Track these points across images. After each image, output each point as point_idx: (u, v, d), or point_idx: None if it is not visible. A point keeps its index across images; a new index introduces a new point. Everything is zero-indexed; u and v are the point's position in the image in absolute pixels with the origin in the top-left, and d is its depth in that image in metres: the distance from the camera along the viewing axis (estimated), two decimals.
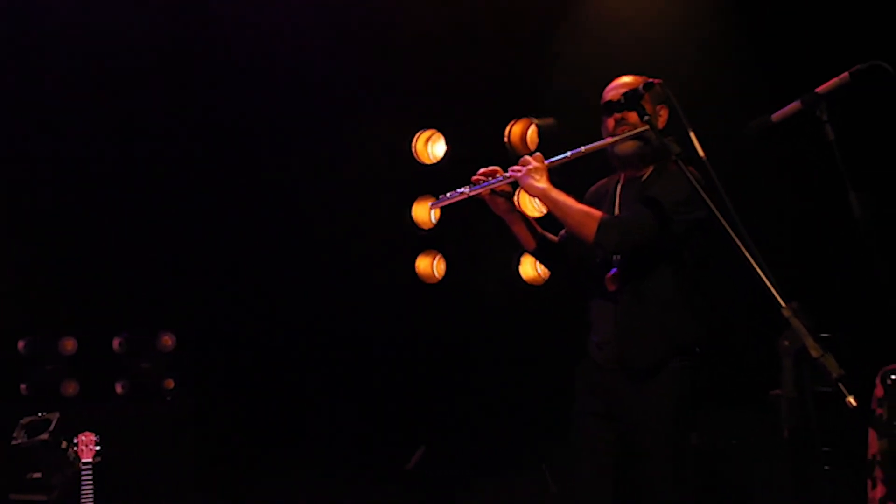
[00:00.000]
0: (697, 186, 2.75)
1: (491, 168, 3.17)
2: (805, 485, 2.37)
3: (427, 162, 5.75)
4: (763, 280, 2.18)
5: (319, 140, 5.77)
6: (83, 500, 4.12)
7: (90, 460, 4.21)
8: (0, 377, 5.41)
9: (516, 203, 3.51)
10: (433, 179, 5.72)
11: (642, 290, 2.97)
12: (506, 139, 5.41)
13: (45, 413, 4.35)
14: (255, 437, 5.54)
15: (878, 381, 2.42)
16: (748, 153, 2.64)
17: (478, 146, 5.53)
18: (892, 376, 2.39)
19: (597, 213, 2.96)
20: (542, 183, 3.00)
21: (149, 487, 5.02)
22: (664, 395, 2.94)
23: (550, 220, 3.22)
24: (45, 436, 4.31)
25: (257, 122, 5.71)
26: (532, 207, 5.15)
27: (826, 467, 4.93)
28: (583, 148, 3.00)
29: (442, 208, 3.27)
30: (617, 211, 3.10)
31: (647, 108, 2.86)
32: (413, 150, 5.76)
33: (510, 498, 5.25)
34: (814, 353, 2.05)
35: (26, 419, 4.35)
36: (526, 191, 3.05)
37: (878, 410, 2.40)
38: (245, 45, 5.49)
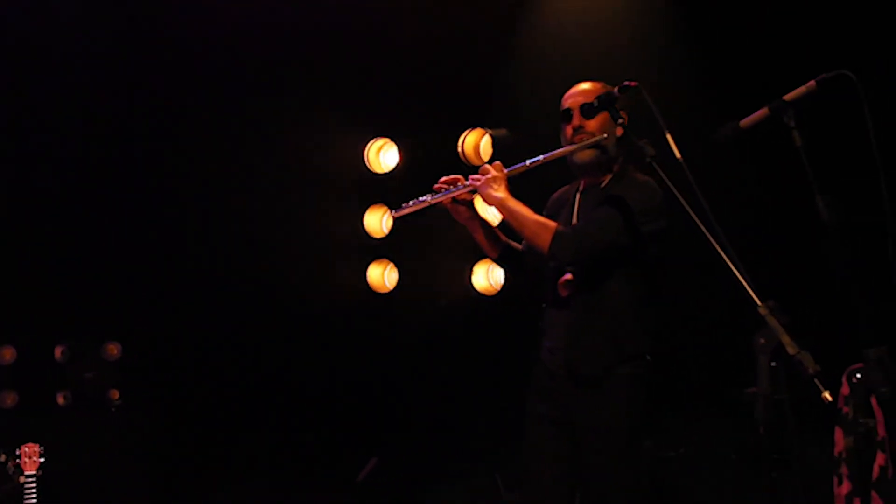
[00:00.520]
0: (659, 195, 2.83)
1: (452, 176, 3.17)
2: (776, 482, 2.41)
3: (379, 171, 5.75)
4: (739, 279, 2.23)
5: (271, 148, 5.70)
6: None
7: (34, 473, 4.07)
8: None
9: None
10: (385, 189, 5.74)
11: (594, 297, 2.99)
12: (459, 149, 5.45)
13: None
14: (203, 450, 5.41)
15: (843, 379, 2.49)
16: (712, 156, 2.70)
17: (431, 156, 5.56)
18: (858, 375, 2.46)
19: (552, 225, 2.98)
20: (500, 192, 3.01)
21: (91, 502, 4.86)
22: (613, 402, 2.95)
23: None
24: None
25: (205, 129, 5.60)
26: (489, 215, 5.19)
27: (773, 474, 5.09)
28: (541, 157, 3.02)
29: (397, 218, 3.25)
30: (575, 218, 3.12)
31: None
32: (365, 159, 5.75)
33: None
34: (790, 351, 2.09)
35: None
36: (484, 200, 3.05)
37: (844, 409, 2.47)
38: (198, 48, 5.39)
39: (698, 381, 4.80)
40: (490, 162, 3.17)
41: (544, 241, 2.94)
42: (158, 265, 5.52)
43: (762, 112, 2.58)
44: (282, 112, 5.62)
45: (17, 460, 4.04)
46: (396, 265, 5.77)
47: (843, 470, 2.40)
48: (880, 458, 2.39)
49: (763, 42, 4.26)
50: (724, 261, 2.26)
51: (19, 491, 4.02)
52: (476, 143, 5.45)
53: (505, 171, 3.05)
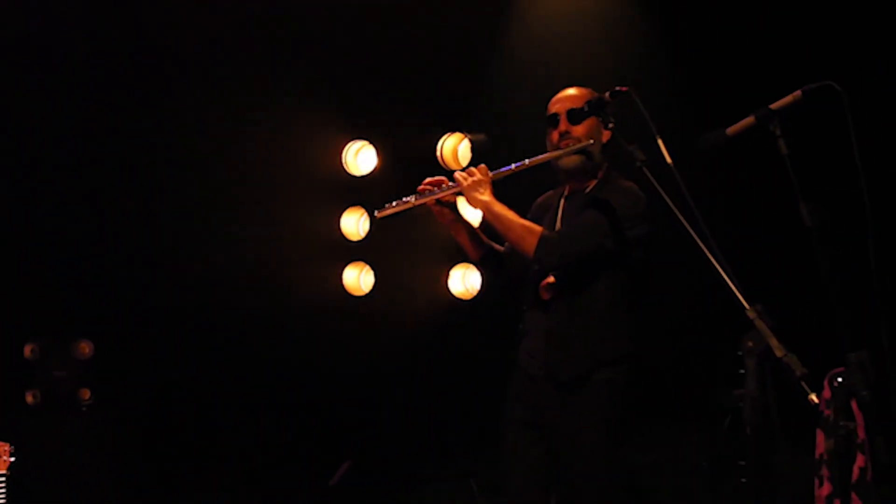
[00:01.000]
0: (643, 201, 2.86)
1: (437, 178, 3.18)
2: (762, 482, 2.45)
3: (357, 174, 5.74)
4: (727, 282, 2.26)
5: (248, 149, 5.67)
6: None
7: (4, 472, 4.00)
8: None
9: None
10: (363, 191, 5.73)
11: (576, 301, 3.00)
12: (438, 153, 5.46)
13: None
14: (176, 451, 5.36)
15: (825, 383, 2.54)
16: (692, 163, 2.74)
17: (409, 159, 5.56)
18: (839, 379, 2.51)
19: (537, 229, 2.99)
20: (485, 196, 3.02)
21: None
22: (593, 407, 2.96)
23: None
24: None
25: (182, 129, 5.57)
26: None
27: (743, 479, 5.15)
28: (527, 161, 3.03)
29: (376, 220, 3.24)
30: (560, 223, 3.13)
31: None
32: (343, 161, 5.75)
33: None
34: (778, 353, 2.13)
35: None
36: (469, 203, 3.05)
37: (826, 412, 2.51)
38: (177, 49, 5.36)
39: (671, 388, 4.86)
40: (469, 166, 3.17)
41: (530, 245, 2.95)
42: (132, 263, 5.47)
43: (748, 120, 2.63)
44: (259, 112, 5.59)
45: None
46: (372, 268, 5.77)
47: (824, 472, 2.45)
48: (860, 461, 2.44)
49: (741, 50, 4.34)
50: (713, 264, 2.29)
51: None
52: (455, 147, 5.47)
53: (490, 174, 3.06)
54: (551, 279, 3.03)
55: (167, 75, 5.49)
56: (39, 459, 4.50)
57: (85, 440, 4.93)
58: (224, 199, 5.62)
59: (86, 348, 5.16)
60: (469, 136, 5.36)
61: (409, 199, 3.19)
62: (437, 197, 3.13)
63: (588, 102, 2.85)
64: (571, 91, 3.11)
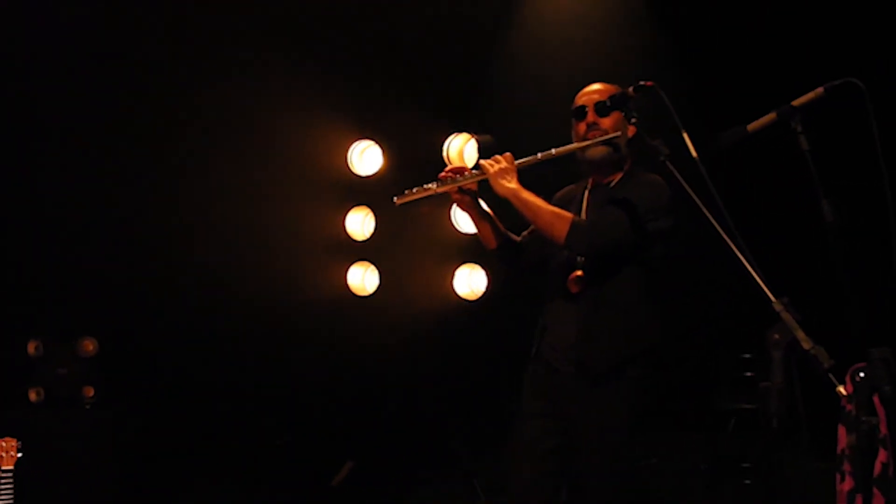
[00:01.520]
0: (668, 194, 2.88)
1: (459, 165, 3.19)
2: (785, 476, 2.45)
3: (362, 174, 5.74)
4: (754, 276, 2.27)
5: (253, 149, 5.66)
6: None
7: (10, 468, 3.97)
8: None
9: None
10: (368, 191, 5.73)
11: (605, 293, 3.00)
12: (444, 153, 5.46)
13: None
14: (178, 450, 5.33)
15: (847, 378, 2.55)
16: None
17: (415, 159, 5.56)
18: (861, 374, 2.52)
19: (568, 215, 2.99)
20: (512, 183, 3.02)
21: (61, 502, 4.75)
22: (617, 402, 2.96)
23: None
24: None
25: (187, 127, 5.56)
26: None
27: (747, 481, 5.16)
28: (553, 150, 3.04)
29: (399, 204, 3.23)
30: (584, 216, 3.13)
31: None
32: (348, 161, 5.74)
33: None
34: (805, 346, 2.13)
35: None
36: (496, 190, 3.04)
37: (848, 407, 2.52)
38: (182, 48, 5.35)
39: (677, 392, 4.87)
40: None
41: (560, 231, 2.95)
42: (138, 262, 5.45)
43: (769, 117, 2.63)
44: (265, 112, 5.58)
45: None
46: (377, 268, 5.76)
47: (846, 467, 2.46)
48: (882, 456, 2.45)
49: (746, 49, 4.36)
50: (739, 258, 2.30)
51: None
52: (461, 147, 5.48)
53: (515, 162, 3.06)
54: (579, 272, 3.04)
55: (174, 74, 5.47)
56: (42, 457, 4.48)
57: (88, 438, 4.90)
58: (229, 197, 5.61)
59: (90, 346, 5.14)
60: (475, 136, 5.37)
61: (430, 185, 3.18)
62: (459, 185, 3.12)
63: (611, 97, 2.86)
64: (598, 85, 3.13)
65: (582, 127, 3.10)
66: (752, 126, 2.67)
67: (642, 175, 3.07)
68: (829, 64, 2.91)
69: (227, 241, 5.60)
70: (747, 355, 5.29)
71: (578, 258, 3.08)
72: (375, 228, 5.71)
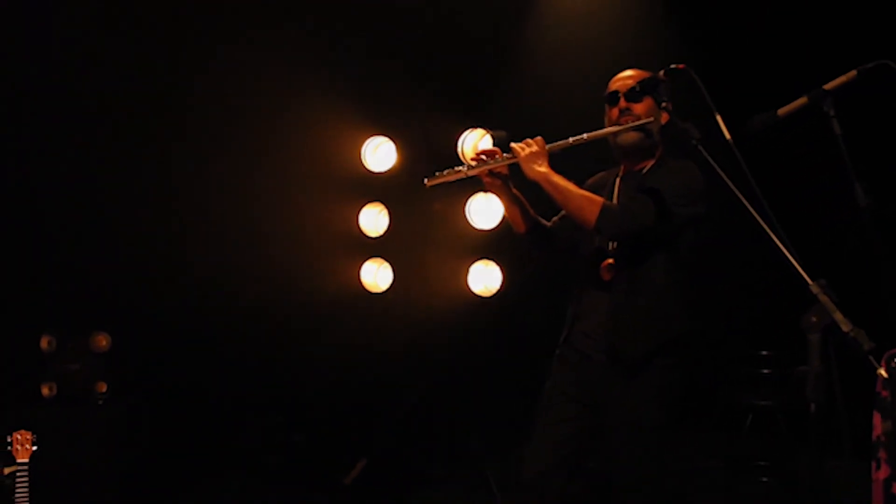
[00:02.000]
0: (701, 180, 2.85)
1: (490, 149, 3.17)
2: (823, 462, 2.42)
3: (376, 170, 5.71)
4: (789, 258, 2.24)
5: (267, 144, 5.65)
6: (18, 503, 3.85)
7: (26, 461, 3.95)
8: None
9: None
10: (382, 187, 5.70)
11: (637, 281, 3.00)
12: (459, 150, 5.43)
13: None
14: (191, 447, 5.30)
15: (882, 363, 2.51)
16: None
17: (429, 156, 5.53)
18: None
19: (598, 199, 2.98)
20: (543, 167, 3.02)
21: (73, 498, 4.72)
22: (649, 391, 2.96)
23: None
24: None
25: (200, 123, 5.54)
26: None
27: (764, 479, 5.12)
28: (585, 135, 3.04)
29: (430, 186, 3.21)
30: (616, 202, 3.12)
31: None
32: (362, 157, 5.72)
33: None
34: (845, 328, 2.10)
35: None
36: (527, 174, 3.04)
37: (883, 393, 2.48)
38: (197, 45, 5.34)
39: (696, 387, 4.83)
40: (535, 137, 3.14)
41: (591, 214, 2.93)
42: (152, 257, 5.42)
43: (800, 101, 2.62)
44: (279, 108, 5.57)
45: (9, 448, 3.92)
46: (391, 264, 5.73)
47: (882, 454, 2.41)
48: None
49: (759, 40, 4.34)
50: (774, 241, 2.27)
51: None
52: (476, 144, 5.44)
53: (546, 146, 3.05)
54: (611, 260, 3.02)
55: (188, 72, 5.46)
56: (55, 453, 4.44)
57: (100, 434, 4.85)
58: (243, 194, 5.59)
59: (103, 341, 5.10)
60: (490, 131, 5.34)
61: (461, 168, 3.18)
62: (490, 167, 3.12)
63: (641, 81, 2.85)
64: (631, 71, 3.14)
65: (614, 112, 3.10)
66: (782, 111, 2.65)
67: (675, 162, 3.06)
68: (861, 47, 2.87)
69: (241, 238, 5.58)
70: (764, 352, 5.27)
71: (609, 246, 3.08)
72: (389, 225, 5.68)
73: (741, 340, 5.34)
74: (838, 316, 2.13)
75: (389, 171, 5.65)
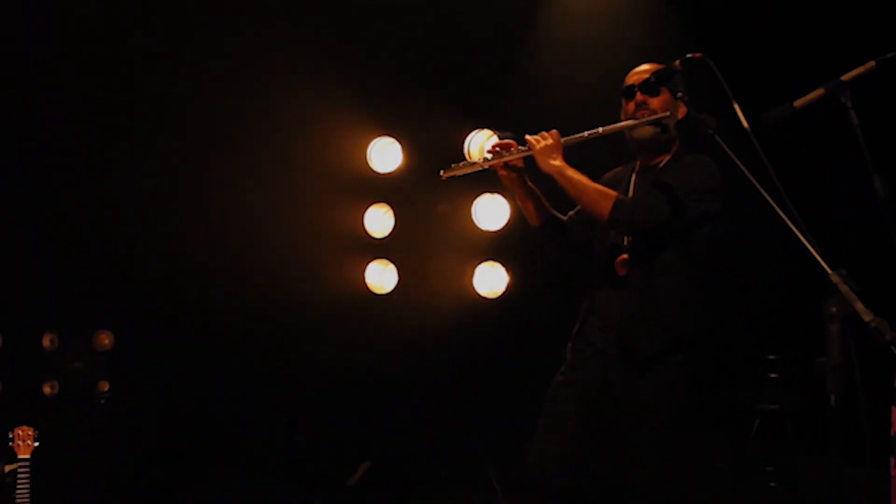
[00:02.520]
0: (717, 175, 2.83)
1: (506, 141, 3.15)
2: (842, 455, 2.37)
3: (382, 171, 5.68)
4: (809, 248, 2.21)
5: (273, 145, 5.62)
6: (19, 500, 3.81)
7: (27, 457, 3.91)
8: None
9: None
10: (387, 188, 5.68)
11: (651, 277, 2.98)
12: (465, 150, 5.41)
13: None
14: (193, 447, 5.26)
15: None
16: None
17: (435, 156, 5.50)
18: None
19: (612, 193, 2.97)
20: (557, 161, 3.00)
21: (75, 497, 4.68)
22: (660, 388, 2.95)
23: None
24: None
25: (206, 123, 5.52)
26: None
27: (772, 484, 5.07)
28: (601, 128, 3.02)
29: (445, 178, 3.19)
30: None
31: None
32: (368, 158, 5.69)
33: None
34: (866, 318, 2.07)
35: None
36: (541, 167, 3.03)
37: None
38: (203, 42, 5.32)
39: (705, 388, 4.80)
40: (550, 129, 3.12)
41: (605, 207, 2.92)
42: (155, 256, 5.39)
43: (817, 92, 2.58)
44: (284, 108, 5.54)
45: (10, 444, 3.89)
46: (396, 266, 5.70)
47: None
48: None
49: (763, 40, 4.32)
50: (794, 232, 2.23)
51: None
52: (482, 144, 5.42)
53: (562, 140, 3.02)
54: (626, 255, 2.99)
55: (191, 72, 5.44)
56: (57, 451, 4.40)
57: (102, 432, 4.83)
58: (248, 194, 5.56)
59: (106, 339, 5.08)
60: (497, 132, 5.31)
61: (476, 160, 3.18)
62: (505, 160, 3.10)
63: (656, 72, 2.82)
64: (648, 66, 3.12)
65: (630, 106, 3.09)
66: (798, 102, 2.61)
67: (690, 157, 3.04)
68: (879, 37, 2.85)
69: (245, 238, 5.55)
70: (772, 356, 5.22)
71: (624, 241, 3.06)
72: (394, 226, 5.65)
73: (751, 340, 5.30)
74: (859, 306, 2.09)
75: (395, 171, 5.62)
